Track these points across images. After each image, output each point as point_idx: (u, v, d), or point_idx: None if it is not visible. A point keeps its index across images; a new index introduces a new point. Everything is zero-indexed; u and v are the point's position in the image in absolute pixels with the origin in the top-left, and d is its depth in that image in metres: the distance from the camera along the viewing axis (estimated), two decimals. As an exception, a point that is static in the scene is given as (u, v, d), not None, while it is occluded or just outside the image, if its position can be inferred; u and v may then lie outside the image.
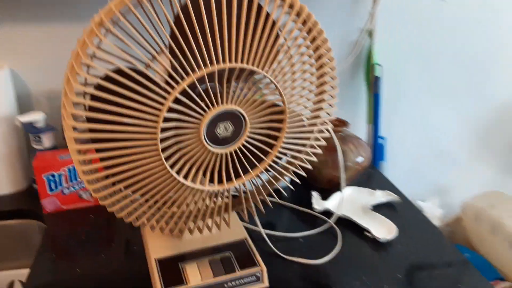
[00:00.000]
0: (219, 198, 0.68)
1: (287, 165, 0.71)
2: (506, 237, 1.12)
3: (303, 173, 0.72)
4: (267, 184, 0.72)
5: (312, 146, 0.71)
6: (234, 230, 0.77)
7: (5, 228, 0.94)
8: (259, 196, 0.71)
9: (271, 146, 0.65)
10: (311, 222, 0.92)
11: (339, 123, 1.05)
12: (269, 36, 0.57)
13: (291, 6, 0.58)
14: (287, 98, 0.62)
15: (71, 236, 0.85)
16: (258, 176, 0.67)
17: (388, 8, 1.17)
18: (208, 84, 0.56)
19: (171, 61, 0.53)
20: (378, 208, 0.97)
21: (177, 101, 0.55)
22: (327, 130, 0.71)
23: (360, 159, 1.00)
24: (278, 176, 0.72)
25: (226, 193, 0.68)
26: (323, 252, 0.82)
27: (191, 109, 0.56)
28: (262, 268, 0.71)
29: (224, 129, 0.59)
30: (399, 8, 1.18)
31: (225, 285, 0.69)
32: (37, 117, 0.93)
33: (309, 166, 0.72)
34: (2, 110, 0.94)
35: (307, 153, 0.71)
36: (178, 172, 0.59)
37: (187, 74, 0.54)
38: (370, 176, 1.13)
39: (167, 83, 0.54)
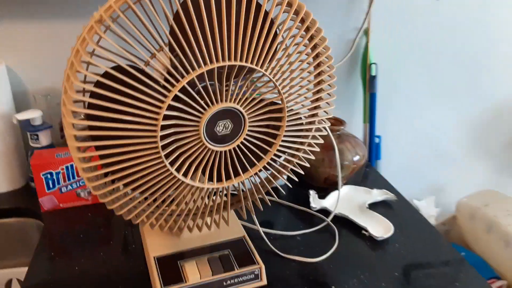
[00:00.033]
0: (218, 196, 0.68)
1: (285, 163, 0.71)
2: (502, 236, 1.13)
3: (301, 171, 0.73)
4: (265, 182, 0.72)
5: (310, 145, 0.71)
6: (232, 229, 0.78)
7: (2, 226, 0.94)
8: (257, 194, 0.72)
9: (269, 144, 0.65)
10: (309, 220, 0.93)
11: (336, 122, 1.06)
12: (267, 34, 0.57)
13: (289, 5, 0.59)
14: (285, 96, 0.62)
15: (69, 234, 0.85)
16: (256, 174, 0.67)
17: (384, 7, 1.17)
18: (207, 82, 0.56)
19: (170, 59, 0.53)
20: (375, 206, 0.97)
21: (176, 98, 0.55)
22: (325, 129, 0.71)
23: (356, 157, 1.01)
24: (276, 174, 0.72)
25: (225, 191, 0.68)
26: (321, 250, 0.83)
27: (191, 107, 0.56)
28: (260, 266, 0.71)
29: (223, 127, 0.59)
30: (395, 7, 1.18)
31: (224, 283, 0.69)
32: (34, 115, 0.93)
33: (307, 164, 0.72)
34: (-1, 108, 0.94)
35: (305, 151, 0.71)
36: (177, 170, 0.60)
37: (186, 72, 0.54)
38: (366, 175, 1.14)
39: (167, 80, 0.54)
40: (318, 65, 0.65)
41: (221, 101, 0.57)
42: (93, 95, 0.52)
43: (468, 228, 1.26)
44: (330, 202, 0.98)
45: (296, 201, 0.99)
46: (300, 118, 0.66)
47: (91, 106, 0.53)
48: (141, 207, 0.63)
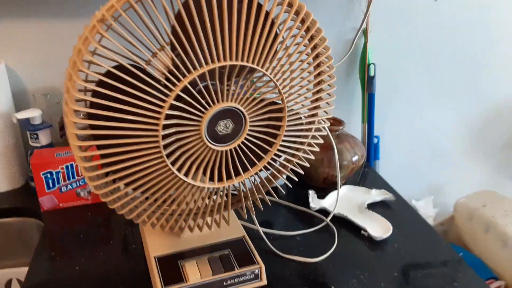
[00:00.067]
0: (218, 196, 0.69)
1: (286, 163, 0.72)
2: (499, 236, 1.13)
3: (301, 171, 0.73)
4: (266, 182, 0.72)
5: (309, 144, 0.71)
6: (232, 229, 0.78)
7: (2, 226, 0.94)
8: (258, 194, 0.72)
9: (270, 144, 0.66)
10: (308, 220, 0.93)
11: (335, 122, 1.06)
12: (268, 34, 0.58)
13: (290, 5, 0.59)
14: (286, 96, 0.62)
15: (69, 234, 0.85)
16: (257, 174, 0.67)
17: (383, 8, 1.18)
18: (209, 82, 0.56)
19: (172, 58, 0.53)
20: (373, 206, 0.98)
21: (178, 98, 0.55)
22: (324, 129, 0.71)
23: (355, 158, 1.01)
24: (276, 174, 0.73)
25: (225, 191, 0.68)
26: (320, 250, 0.83)
27: (193, 106, 0.56)
28: (260, 266, 0.71)
29: (224, 127, 0.60)
30: (394, 7, 1.19)
31: (224, 283, 0.69)
32: (34, 114, 0.93)
33: (307, 164, 0.72)
34: (-1, 107, 0.94)
35: (304, 151, 0.71)
36: (178, 170, 0.60)
37: (188, 71, 0.54)
38: (365, 175, 1.14)
39: (168, 80, 0.54)
40: (318, 65, 0.66)
41: (222, 100, 0.58)
42: (95, 94, 0.52)
43: (466, 228, 1.26)
44: (329, 202, 0.99)
45: (295, 201, 0.99)
46: (300, 118, 0.67)
47: (93, 105, 0.53)
48: (142, 207, 0.64)
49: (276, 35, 0.58)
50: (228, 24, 0.54)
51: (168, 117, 0.55)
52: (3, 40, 0.99)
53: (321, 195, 1.01)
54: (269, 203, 0.75)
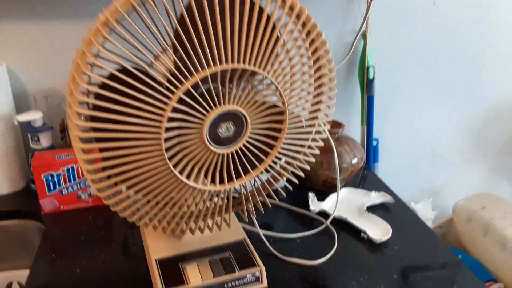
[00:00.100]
0: (220, 199, 0.69)
1: (286, 166, 0.72)
2: (498, 239, 1.14)
3: (301, 174, 0.73)
4: (266, 185, 0.73)
5: (310, 147, 0.72)
6: (232, 231, 0.78)
7: (3, 228, 0.94)
8: (258, 197, 0.72)
9: (271, 146, 0.66)
10: (308, 223, 0.93)
11: (334, 125, 1.06)
12: (269, 38, 0.58)
13: (291, 8, 0.59)
14: (287, 99, 0.63)
15: (70, 236, 0.85)
16: (258, 176, 0.68)
17: (382, 10, 1.18)
18: (211, 85, 0.56)
19: (175, 61, 0.54)
20: (373, 209, 0.98)
21: (180, 101, 0.55)
22: (324, 131, 0.72)
23: (355, 160, 1.01)
24: (277, 176, 0.73)
25: (226, 194, 0.68)
26: (320, 253, 0.83)
27: (194, 109, 0.57)
28: (261, 268, 0.71)
29: (226, 130, 0.60)
30: (393, 9, 1.19)
31: (225, 285, 0.70)
32: (35, 116, 0.93)
33: (307, 167, 0.73)
34: (-1, 109, 0.95)
35: (305, 154, 0.72)
36: (180, 172, 0.60)
37: (190, 74, 0.54)
38: (364, 177, 1.15)
39: (170, 83, 0.54)
40: (319, 68, 0.66)
41: (224, 103, 0.58)
42: (98, 96, 0.53)
43: (465, 230, 1.27)
44: (329, 204, 0.99)
45: (295, 204, 0.99)
46: (301, 121, 0.67)
47: (96, 107, 0.53)
48: (144, 209, 0.64)
49: (277, 39, 0.59)
50: (230, 28, 0.55)
51: (170, 119, 0.55)
52: (4, 41, 0.99)
53: (321, 197, 1.01)
54: (270, 206, 0.75)
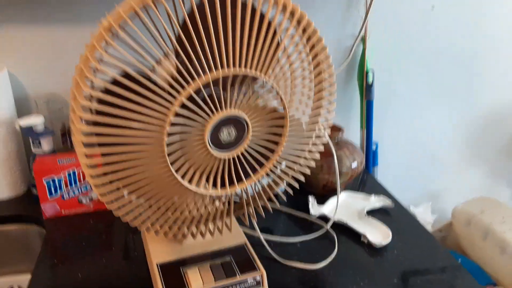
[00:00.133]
0: (221, 203, 0.69)
1: (287, 170, 0.72)
2: (497, 243, 1.14)
3: (302, 178, 0.74)
4: (267, 189, 0.73)
5: (310, 151, 0.72)
6: (233, 235, 0.79)
7: (4, 233, 0.94)
8: (259, 201, 0.73)
9: (272, 151, 0.66)
10: (308, 227, 0.94)
11: (334, 129, 1.07)
12: (270, 44, 0.59)
13: (292, 14, 0.60)
14: (287, 104, 0.63)
15: (72, 241, 0.86)
16: (258, 180, 0.68)
17: (381, 15, 1.19)
18: (212, 89, 0.57)
19: (177, 66, 0.54)
20: (373, 213, 0.99)
21: (182, 106, 0.56)
22: (324, 136, 0.72)
23: (354, 164, 1.02)
24: (278, 180, 0.73)
25: (228, 198, 0.69)
26: (320, 257, 0.84)
27: (196, 114, 0.57)
28: (262, 273, 0.72)
29: (227, 134, 0.60)
30: (392, 14, 1.20)
31: (226, 289, 0.70)
32: (37, 121, 0.93)
33: (308, 171, 0.73)
34: (1, 113, 0.95)
35: (305, 158, 0.72)
36: (182, 177, 0.61)
37: (192, 79, 0.55)
38: (364, 181, 1.15)
39: (172, 87, 0.55)
40: (319, 73, 0.67)
41: (225, 108, 0.59)
42: (101, 101, 0.53)
43: (464, 234, 1.27)
44: (329, 208, 1.00)
45: (295, 208, 1.00)
46: (302, 125, 0.68)
47: (99, 112, 0.54)
48: (146, 214, 0.64)
49: (278, 44, 0.59)
50: (232, 33, 0.55)
51: (173, 124, 0.56)
52: (6, 46, 1.00)
53: (321, 201, 1.01)
54: (271, 210, 0.75)
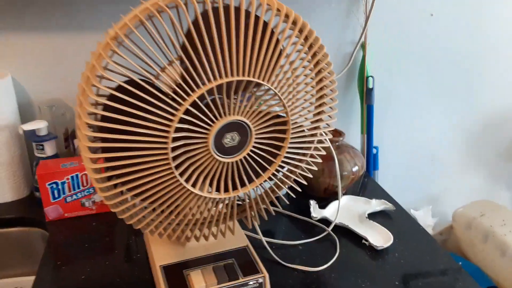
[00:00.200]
0: (224, 206, 0.70)
1: (289, 174, 0.73)
2: (498, 246, 1.15)
3: (304, 182, 0.75)
4: (270, 192, 0.74)
5: (312, 156, 0.73)
6: (236, 238, 0.79)
7: (7, 235, 0.95)
8: (262, 204, 0.74)
9: (274, 155, 0.67)
10: (309, 230, 0.95)
11: (335, 133, 1.08)
12: (273, 51, 0.60)
13: (294, 23, 0.61)
14: (290, 109, 0.64)
15: (74, 243, 0.86)
16: (261, 184, 0.69)
17: (380, 22, 1.20)
18: (216, 96, 0.58)
19: (182, 74, 0.55)
20: (374, 216, 0.99)
21: (187, 112, 0.57)
22: (326, 140, 0.73)
23: (355, 168, 1.03)
24: (280, 184, 0.74)
25: (231, 201, 0.70)
26: (322, 259, 0.84)
27: (201, 120, 0.58)
28: (264, 275, 0.72)
29: (230, 139, 0.61)
30: (391, 21, 1.22)
31: (229, 292, 0.71)
32: (40, 125, 0.94)
33: (310, 175, 0.74)
34: (5, 118, 0.96)
35: (307, 162, 0.73)
36: (186, 181, 0.61)
37: (197, 86, 0.56)
38: (365, 185, 1.16)
39: (177, 94, 0.56)
40: (321, 80, 0.68)
41: (229, 114, 0.59)
42: (107, 108, 0.54)
43: (464, 237, 1.28)
44: (330, 211, 1.00)
45: (297, 211, 1.00)
46: (303, 131, 0.69)
47: (104, 118, 0.55)
48: (150, 217, 0.65)
49: (281, 52, 0.60)
50: (236, 41, 0.56)
51: (177, 130, 0.57)
52: (10, 53, 1.00)
53: (322, 205, 1.02)
54: (273, 213, 0.76)
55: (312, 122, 0.71)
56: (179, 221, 0.68)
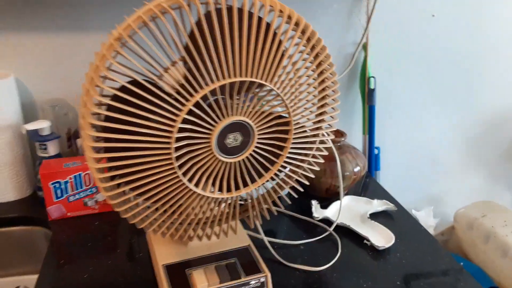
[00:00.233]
0: (226, 206, 0.70)
1: (291, 174, 0.74)
2: (499, 246, 1.15)
3: (306, 182, 0.75)
4: (272, 192, 0.74)
5: (314, 156, 0.73)
6: (238, 237, 0.80)
7: (9, 234, 0.95)
8: (264, 204, 0.74)
9: (277, 155, 0.68)
10: (311, 230, 0.95)
11: (336, 134, 1.08)
12: (276, 52, 0.60)
13: (297, 24, 0.61)
14: (292, 110, 0.64)
15: (77, 242, 0.87)
16: (263, 184, 0.69)
17: (382, 23, 1.20)
18: (219, 96, 0.58)
19: (185, 74, 0.55)
20: (375, 216, 1.00)
21: (189, 112, 0.57)
22: (328, 141, 0.73)
23: (357, 168, 1.03)
24: (282, 184, 0.75)
25: (233, 201, 0.70)
26: (323, 259, 0.85)
27: (204, 120, 0.58)
28: (266, 274, 0.73)
29: (233, 139, 0.62)
30: (392, 21, 1.22)
31: (231, 291, 0.71)
32: (43, 125, 0.95)
33: (312, 175, 0.74)
34: (8, 118, 0.96)
35: (309, 163, 0.74)
36: (189, 180, 0.62)
37: (200, 87, 0.56)
38: (366, 185, 1.16)
39: (181, 95, 0.56)
40: (323, 81, 0.68)
41: (232, 114, 0.60)
42: (110, 108, 0.54)
43: (466, 238, 1.28)
44: (332, 212, 1.01)
45: (299, 211, 1.01)
46: (306, 131, 0.69)
47: (108, 119, 0.55)
48: (153, 217, 0.65)
49: (283, 53, 0.61)
50: (239, 42, 0.57)
51: (180, 130, 0.57)
52: (13, 53, 1.01)
53: (324, 205, 1.02)
54: (275, 213, 0.77)
55: (314, 123, 0.71)
56: (181, 221, 0.68)
